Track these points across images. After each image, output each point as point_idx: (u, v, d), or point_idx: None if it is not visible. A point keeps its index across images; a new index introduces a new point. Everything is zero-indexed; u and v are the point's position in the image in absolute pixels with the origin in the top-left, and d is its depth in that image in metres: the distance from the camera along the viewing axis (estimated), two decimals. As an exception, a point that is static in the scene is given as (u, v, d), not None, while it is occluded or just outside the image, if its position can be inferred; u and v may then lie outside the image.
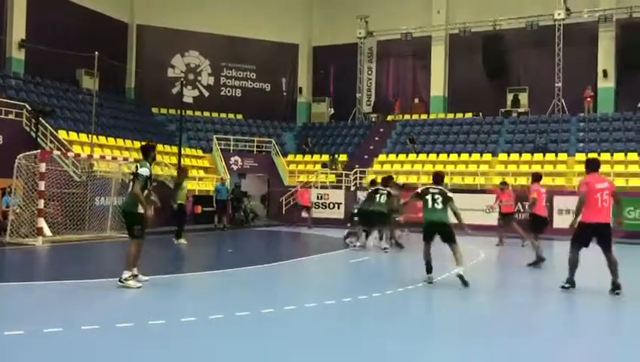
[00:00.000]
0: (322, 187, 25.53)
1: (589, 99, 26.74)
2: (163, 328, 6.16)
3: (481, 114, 28.84)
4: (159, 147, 25.72)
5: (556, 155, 24.44)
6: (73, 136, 22.06)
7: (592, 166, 8.93)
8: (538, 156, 24.58)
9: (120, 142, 23.98)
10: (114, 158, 18.04)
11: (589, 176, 8.80)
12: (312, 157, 28.98)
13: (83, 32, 25.60)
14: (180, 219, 15.44)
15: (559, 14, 27.13)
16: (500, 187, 17.67)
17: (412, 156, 26.72)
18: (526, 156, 24.81)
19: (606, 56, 27.17)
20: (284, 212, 25.33)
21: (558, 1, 27.10)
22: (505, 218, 17.19)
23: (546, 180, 22.87)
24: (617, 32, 26.97)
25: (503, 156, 25.26)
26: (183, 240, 15.10)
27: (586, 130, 25.64)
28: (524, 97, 28.35)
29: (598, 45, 27.40)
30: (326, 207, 24.51)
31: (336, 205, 24.17)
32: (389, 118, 30.63)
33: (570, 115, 26.90)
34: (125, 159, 17.72)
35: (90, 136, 21.07)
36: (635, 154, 23.12)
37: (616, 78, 27.21)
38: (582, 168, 22.99)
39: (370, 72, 32.49)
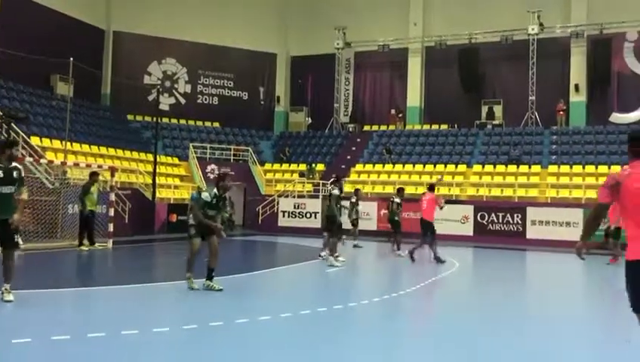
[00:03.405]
0: (299, 196, 25.54)
1: (561, 112, 27.31)
2: (167, 336, 6.08)
3: (456, 125, 29.23)
4: (135, 154, 25.56)
5: (529, 167, 24.85)
6: (46, 142, 21.71)
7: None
8: (512, 168, 24.97)
9: (94, 149, 23.67)
10: (88, 165, 17.79)
11: (630, 167, 4.26)
12: (289, 166, 28.99)
13: (58, 37, 25.24)
14: (89, 225, 15.02)
15: (533, 29, 27.70)
16: None
17: (388, 166, 26.92)
18: (500, 167, 25.18)
19: (578, 70, 27.81)
20: (260, 221, 25.25)
21: (531, 16, 27.67)
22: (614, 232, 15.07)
23: (519, 192, 23.36)
24: (589, 47, 27.63)
25: (477, 167, 25.60)
26: (93, 247, 14.84)
27: (559, 143, 26.15)
28: (498, 110, 28.81)
29: (570, 60, 28.05)
30: (303, 216, 24.51)
31: (313, 214, 24.18)
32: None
33: (543, 128, 27.41)
34: (100, 166, 17.50)
35: (63, 142, 20.77)
36: (606, 167, 23.62)
37: (588, 92, 27.86)
38: (555, 180, 23.85)
39: (347, 83, 32.69)
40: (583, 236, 4.68)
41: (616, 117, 27.18)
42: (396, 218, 16.03)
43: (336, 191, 13.33)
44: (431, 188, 14.61)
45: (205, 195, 9.04)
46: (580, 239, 4.68)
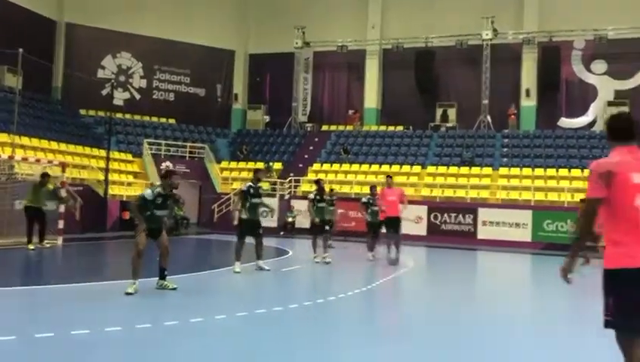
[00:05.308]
0: (255, 195, 25.38)
1: (512, 116, 28.15)
2: (119, 336, 5.97)
3: (411, 127, 29.72)
4: (87, 150, 24.92)
5: (481, 169, 25.49)
6: (-7, 135, 20.95)
7: (623, 133, 3.76)
8: (465, 169, 25.55)
9: (44, 143, 22.98)
10: (37, 160, 17.27)
11: (615, 153, 3.72)
12: (246, 164, 28.81)
13: (6, 27, 24.39)
14: (41, 222, 14.53)
15: (487, 34, 28.41)
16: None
17: (345, 166, 27.13)
18: (453, 169, 25.73)
19: (529, 76, 28.70)
20: (215, 220, 25.03)
21: (486, 22, 28.38)
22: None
23: (471, 193, 23.93)
24: (539, 53, 28.54)
25: (431, 168, 26.09)
26: (41, 245, 14.40)
27: (510, 146, 26.92)
28: (452, 112, 29.46)
29: (521, 65, 28.92)
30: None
31: (269, 213, 24.05)
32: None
33: (495, 131, 28.16)
34: (50, 161, 17.01)
35: (11, 136, 20.07)
36: (554, 169, 24.46)
37: (538, 97, 28.79)
38: (505, 182, 24.54)
39: (306, 82, 32.75)
40: (580, 242, 3.93)
41: (565, 122, 28.20)
42: (368, 218, 15.00)
43: (243, 188, 12.04)
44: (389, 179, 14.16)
45: (148, 193, 8.72)
46: (571, 250, 3.87)
